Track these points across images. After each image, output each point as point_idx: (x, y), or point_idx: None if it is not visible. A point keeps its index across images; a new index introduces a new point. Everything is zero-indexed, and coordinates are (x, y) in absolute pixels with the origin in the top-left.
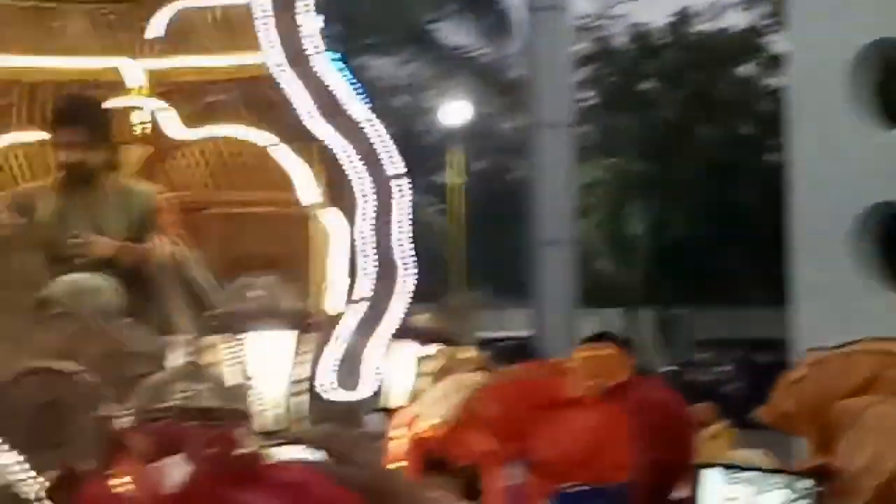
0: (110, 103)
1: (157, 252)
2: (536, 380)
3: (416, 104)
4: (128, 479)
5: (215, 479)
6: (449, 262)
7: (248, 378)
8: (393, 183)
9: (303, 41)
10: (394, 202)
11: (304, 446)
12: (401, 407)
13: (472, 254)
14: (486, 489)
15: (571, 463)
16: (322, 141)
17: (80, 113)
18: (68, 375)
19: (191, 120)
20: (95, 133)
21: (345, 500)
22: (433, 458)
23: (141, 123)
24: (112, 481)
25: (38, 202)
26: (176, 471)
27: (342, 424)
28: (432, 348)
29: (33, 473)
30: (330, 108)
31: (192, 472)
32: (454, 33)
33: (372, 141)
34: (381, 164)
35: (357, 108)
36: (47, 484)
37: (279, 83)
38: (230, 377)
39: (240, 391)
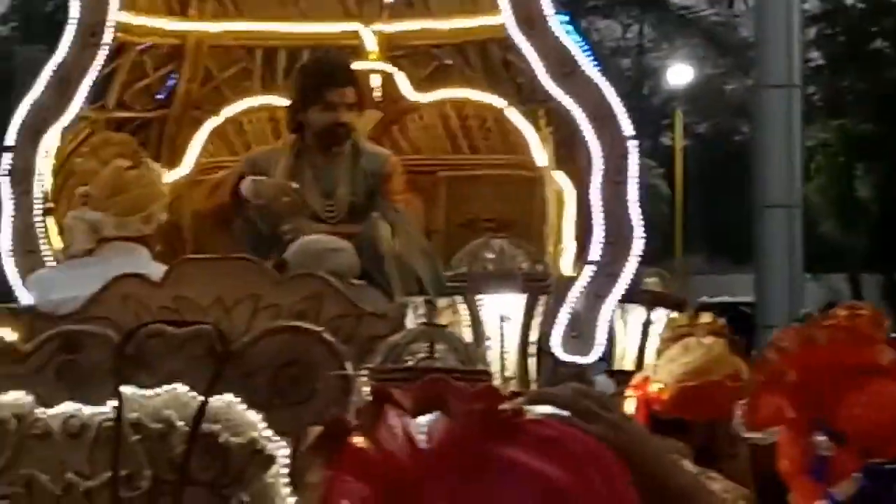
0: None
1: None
2: (837, 344)
3: (641, 66)
4: (390, 434)
5: (477, 435)
6: (671, 225)
7: (484, 340)
8: (625, 144)
9: (535, 3)
10: (625, 164)
11: (549, 405)
12: (630, 371)
13: (693, 217)
14: (783, 455)
15: (883, 437)
16: (552, 103)
17: (353, 73)
18: (310, 335)
19: (422, 83)
20: (361, 95)
21: (604, 454)
22: (663, 419)
23: (376, 88)
24: (375, 436)
25: (273, 165)
26: (438, 426)
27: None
28: (660, 312)
29: (273, 432)
30: (562, 69)
31: (455, 427)
32: None
33: (604, 102)
34: (613, 126)
35: (588, 69)
36: (310, 437)
37: (511, 45)
38: (466, 339)
39: (477, 352)
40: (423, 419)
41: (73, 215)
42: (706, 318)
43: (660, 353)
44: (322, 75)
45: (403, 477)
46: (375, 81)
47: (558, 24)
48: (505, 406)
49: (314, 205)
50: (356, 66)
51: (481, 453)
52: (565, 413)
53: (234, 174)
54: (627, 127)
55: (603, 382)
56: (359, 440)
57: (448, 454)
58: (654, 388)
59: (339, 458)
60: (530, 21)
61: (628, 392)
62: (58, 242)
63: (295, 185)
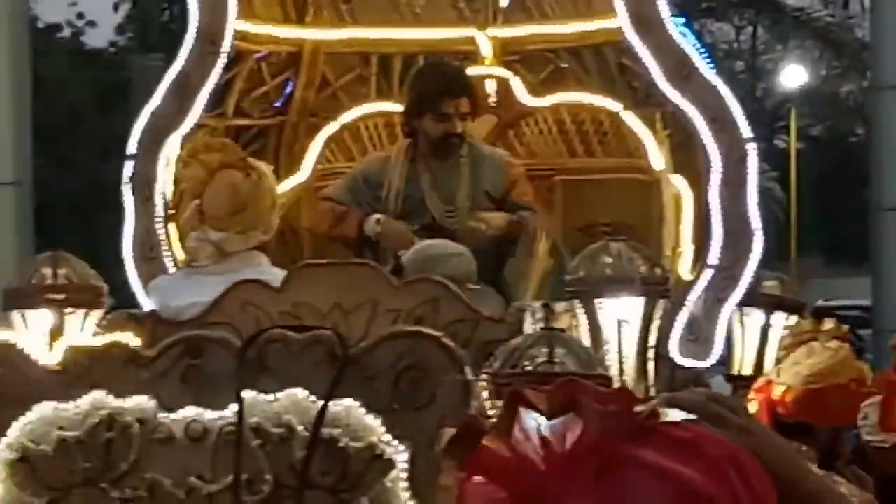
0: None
1: (525, 223)
2: None
3: (754, 68)
4: (525, 436)
5: (613, 437)
6: (785, 228)
7: (602, 344)
8: (744, 147)
9: (651, 5)
10: (744, 167)
11: (678, 409)
12: (748, 375)
13: (808, 220)
14: None
15: None
16: (669, 106)
17: (468, 83)
18: (430, 339)
19: (537, 88)
20: (476, 104)
21: (741, 456)
22: (787, 423)
23: (491, 93)
24: (509, 438)
25: (386, 173)
26: (572, 427)
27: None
28: (779, 316)
29: (392, 437)
30: (679, 72)
31: (590, 429)
32: None
33: (722, 105)
34: (732, 129)
35: (706, 71)
36: (444, 439)
37: (627, 48)
38: (585, 343)
39: (596, 357)
40: (564, 418)
41: (196, 237)
42: (829, 323)
43: (780, 357)
44: (437, 84)
45: (538, 480)
46: (490, 86)
47: (674, 27)
48: (640, 408)
49: (434, 210)
50: (471, 71)
51: (617, 455)
52: (693, 417)
53: (357, 218)
54: (746, 130)
55: (720, 386)
56: (492, 442)
57: (584, 456)
58: (777, 391)
59: (473, 461)
60: (647, 24)
61: (751, 395)
62: (178, 249)
63: (414, 236)
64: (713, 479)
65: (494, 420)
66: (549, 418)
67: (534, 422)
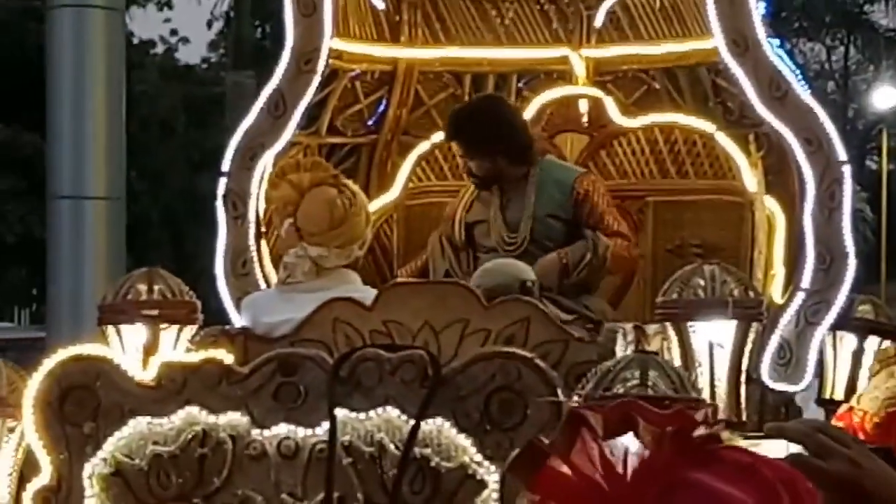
0: (558, 92)
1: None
2: None
3: (846, 88)
4: (587, 457)
5: (673, 459)
6: (876, 250)
7: (695, 367)
8: (839, 169)
9: (748, 26)
10: (839, 189)
11: (782, 439)
12: (840, 400)
13: None
14: None
15: None
16: (763, 127)
17: (459, 125)
18: (522, 360)
19: (630, 108)
20: (472, 144)
21: (797, 481)
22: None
23: (584, 112)
24: (570, 458)
25: (461, 199)
26: (631, 448)
27: (778, 415)
28: (872, 340)
29: (484, 457)
30: (774, 93)
31: (650, 451)
32: (890, 15)
33: (817, 126)
34: (827, 150)
35: (801, 92)
36: (509, 459)
37: (721, 69)
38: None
39: (689, 380)
40: (623, 439)
41: (295, 253)
42: None
43: (869, 380)
44: (454, 135)
45: (601, 500)
46: (583, 106)
47: (771, 48)
48: (700, 431)
49: (495, 238)
50: (564, 91)
51: (677, 478)
52: (797, 448)
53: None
54: (841, 152)
55: (813, 411)
56: (556, 463)
57: (644, 478)
58: (857, 416)
59: (538, 482)
60: (743, 44)
61: (834, 422)
62: (269, 266)
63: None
64: (766, 502)
65: (556, 440)
66: (604, 438)
67: (597, 443)
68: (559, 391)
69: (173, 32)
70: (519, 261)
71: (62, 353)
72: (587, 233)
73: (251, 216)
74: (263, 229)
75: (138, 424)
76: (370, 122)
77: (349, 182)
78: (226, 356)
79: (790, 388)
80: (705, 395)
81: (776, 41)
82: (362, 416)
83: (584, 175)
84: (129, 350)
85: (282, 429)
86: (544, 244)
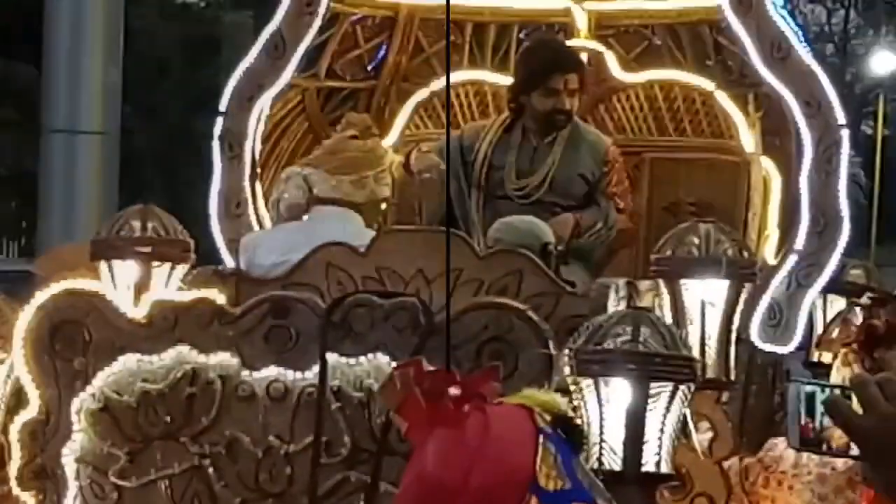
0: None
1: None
2: None
3: (844, 52)
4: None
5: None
6: (867, 214)
7: (686, 325)
8: (837, 133)
9: None
10: (836, 153)
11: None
12: (828, 363)
13: (891, 207)
14: None
15: None
16: (763, 87)
17: (578, 59)
18: (514, 312)
19: (630, 64)
20: (584, 80)
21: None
22: None
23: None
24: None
25: (483, 141)
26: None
27: (765, 376)
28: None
29: None
30: (776, 53)
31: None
32: None
33: (817, 89)
34: (826, 114)
35: (803, 54)
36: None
37: (724, 27)
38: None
39: (680, 338)
40: None
41: (290, 169)
42: None
43: None
44: (548, 60)
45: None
46: (583, 60)
47: (774, 7)
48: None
49: (511, 183)
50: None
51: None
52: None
53: None
54: (840, 115)
55: (799, 373)
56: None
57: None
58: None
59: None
60: (746, 3)
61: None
62: (263, 209)
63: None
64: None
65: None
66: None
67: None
68: (550, 344)
69: None
70: (534, 217)
71: (54, 287)
72: (602, 202)
73: (247, 157)
74: (259, 171)
75: (128, 361)
76: (370, 68)
77: (378, 140)
78: (218, 297)
79: (779, 349)
80: (695, 353)
81: (780, 1)
82: (352, 361)
83: (612, 145)
84: (121, 287)
85: (272, 371)
86: (558, 200)
